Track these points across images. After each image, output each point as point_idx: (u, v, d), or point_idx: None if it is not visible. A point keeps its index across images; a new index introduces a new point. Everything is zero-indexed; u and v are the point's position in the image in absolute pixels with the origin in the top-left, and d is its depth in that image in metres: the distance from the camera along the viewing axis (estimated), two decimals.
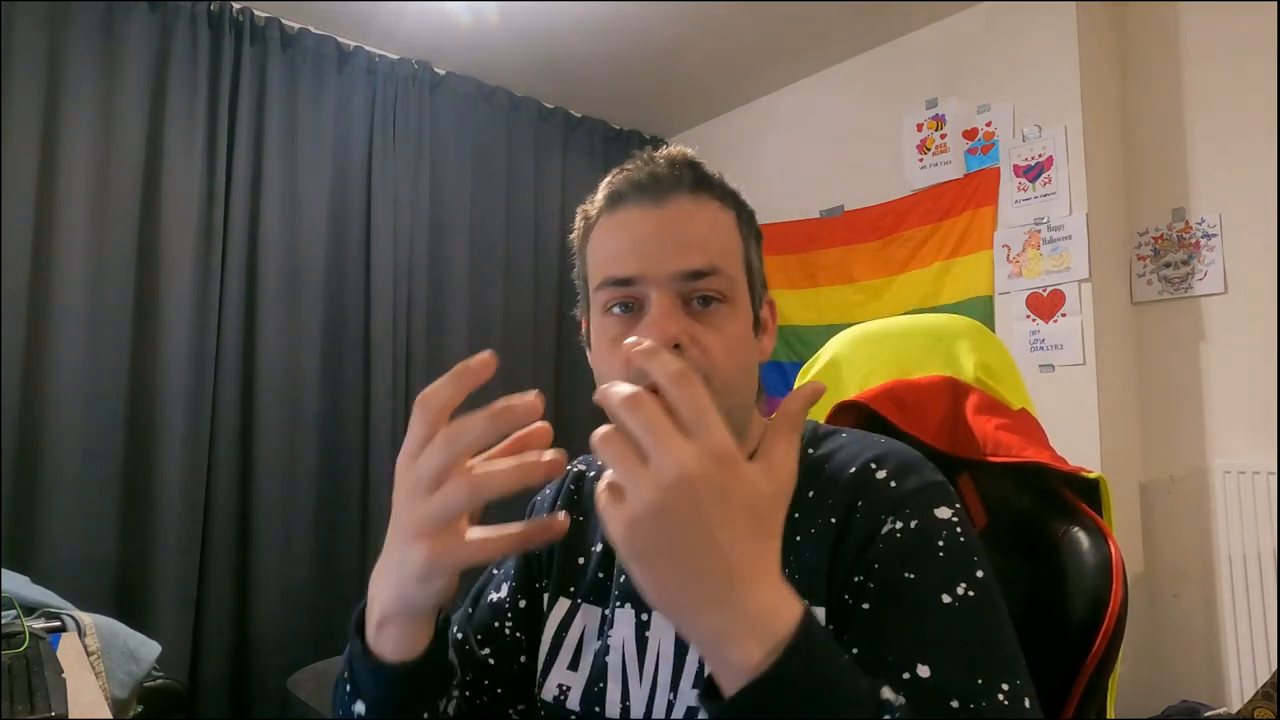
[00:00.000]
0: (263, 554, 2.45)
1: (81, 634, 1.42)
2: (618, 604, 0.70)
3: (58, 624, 1.44)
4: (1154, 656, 2.27)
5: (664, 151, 0.70)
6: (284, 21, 2.62)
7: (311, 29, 2.68)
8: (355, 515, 2.68)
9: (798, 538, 0.64)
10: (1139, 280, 2.39)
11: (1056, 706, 0.69)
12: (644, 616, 0.68)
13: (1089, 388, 2.26)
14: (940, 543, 0.59)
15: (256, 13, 2.58)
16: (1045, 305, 2.36)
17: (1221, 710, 2.06)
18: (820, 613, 0.60)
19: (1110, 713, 0.71)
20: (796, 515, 0.65)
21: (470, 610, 0.81)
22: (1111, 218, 2.38)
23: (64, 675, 1.14)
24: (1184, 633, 2.24)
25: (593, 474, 0.83)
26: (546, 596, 0.77)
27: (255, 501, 2.46)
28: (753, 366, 0.69)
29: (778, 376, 3.03)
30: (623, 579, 0.71)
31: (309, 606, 2.54)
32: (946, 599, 0.56)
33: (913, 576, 0.57)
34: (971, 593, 0.56)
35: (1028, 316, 2.40)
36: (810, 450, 0.70)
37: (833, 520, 0.63)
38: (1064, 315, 2.32)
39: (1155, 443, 2.34)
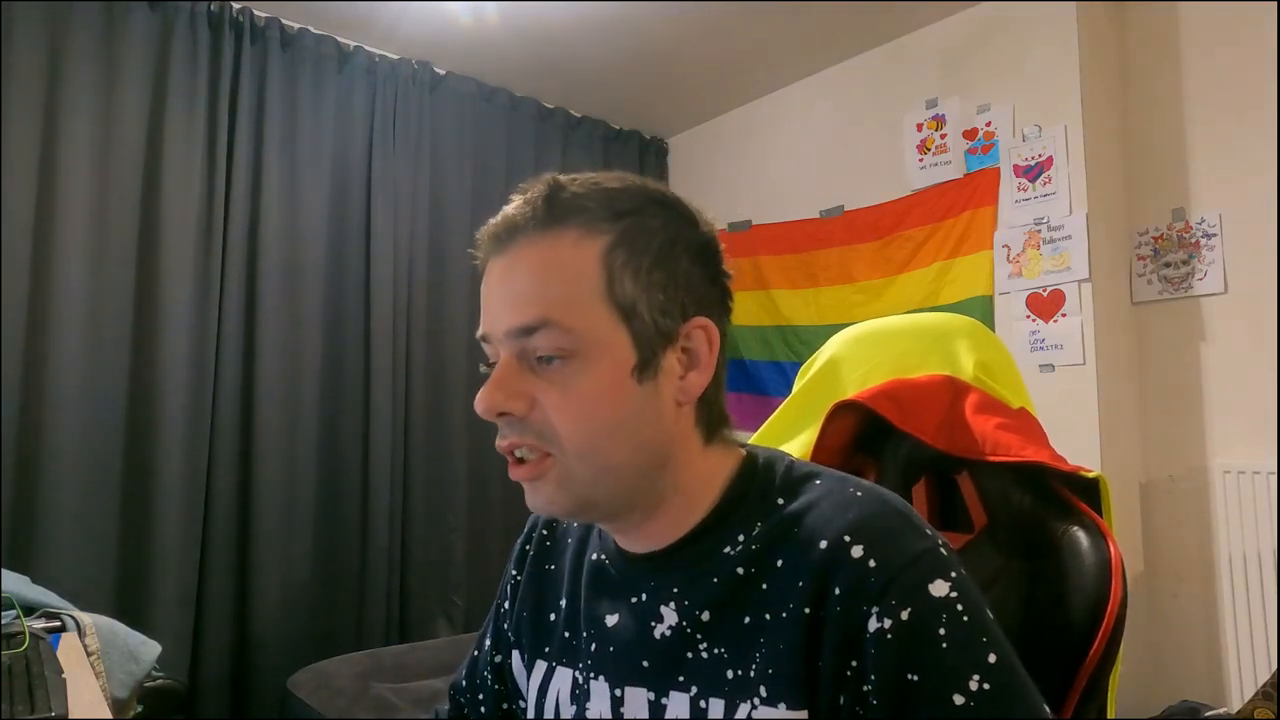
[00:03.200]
0: (263, 554, 2.45)
1: (81, 634, 1.41)
2: (591, 675, 0.66)
3: (58, 624, 1.43)
4: (1154, 656, 2.26)
5: (535, 181, 0.63)
6: (284, 21, 2.62)
7: (311, 29, 2.68)
8: (355, 515, 2.67)
9: (767, 616, 0.58)
10: (1139, 280, 2.39)
11: (1056, 707, 0.69)
12: (618, 692, 0.64)
13: (1089, 388, 2.26)
14: (941, 630, 0.52)
15: (256, 13, 2.58)
16: (1045, 305, 2.36)
17: (1221, 710, 2.05)
18: (800, 716, 0.55)
19: (1111, 712, 0.71)
20: (765, 586, 0.59)
21: (475, 653, 0.84)
22: (1111, 218, 2.38)
23: (64, 675, 1.13)
24: (1184, 633, 2.23)
25: None
26: (518, 654, 0.76)
27: (255, 502, 2.46)
28: (630, 419, 0.59)
29: (778, 376, 3.03)
30: (593, 646, 0.67)
31: (309, 606, 2.53)
32: (959, 699, 0.51)
33: (916, 679, 0.52)
34: (986, 685, 0.51)
35: (1028, 316, 2.40)
36: (781, 501, 0.62)
37: (805, 610, 0.56)
38: (1064, 315, 2.32)
39: (1155, 443, 2.34)
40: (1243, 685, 2.07)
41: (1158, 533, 2.31)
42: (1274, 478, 2.05)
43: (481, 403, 0.60)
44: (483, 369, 0.63)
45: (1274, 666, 1.96)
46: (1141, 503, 2.34)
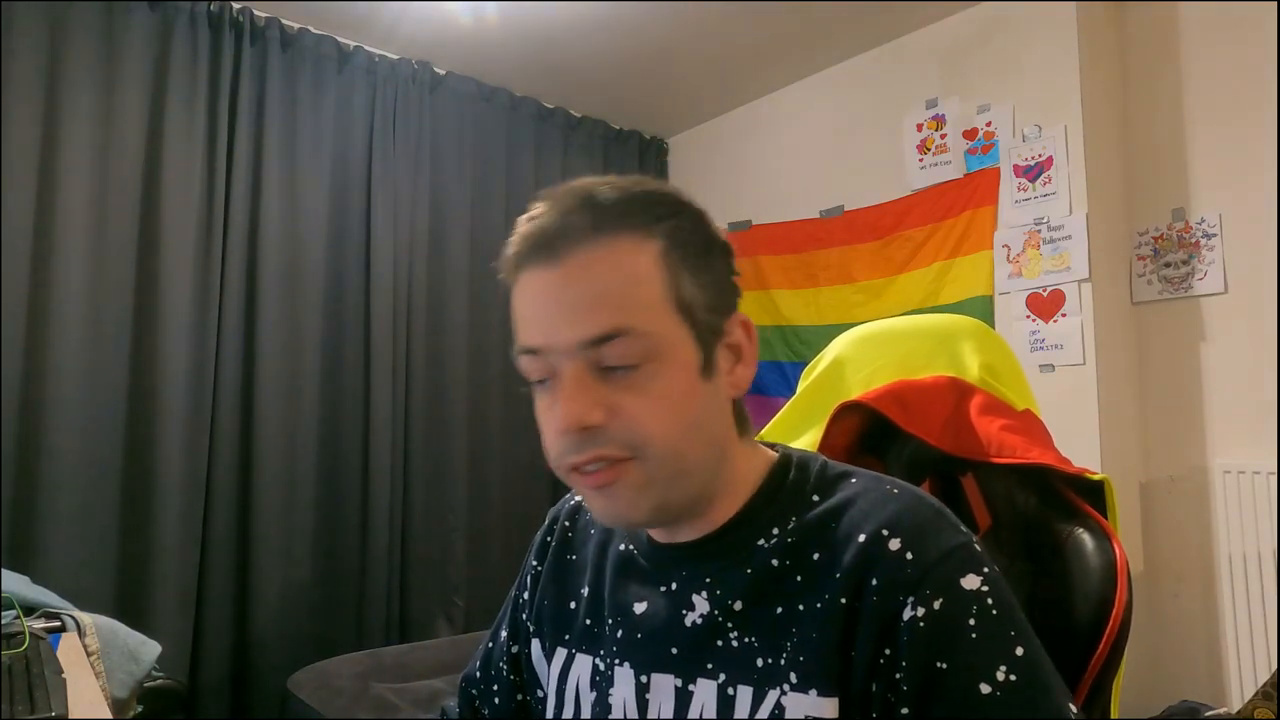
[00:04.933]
0: (263, 554, 2.45)
1: (81, 634, 1.41)
2: (616, 661, 0.66)
3: (58, 624, 1.43)
4: (1154, 656, 2.27)
5: (565, 189, 0.61)
6: (284, 21, 2.62)
7: (311, 29, 2.67)
8: (355, 515, 2.67)
9: (800, 607, 0.59)
10: (1139, 280, 2.39)
11: None
12: (643, 679, 0.64)
13: (1089, 388, 2.26)
14: (971, 621, 0.54)
15: (256, 13, 2.57)
16: (1045, 305, 2.36)
17: (1221, 710, 2.06)
18: (831, 703, 0.55)
19: (1114, 713, 0.71)
20: (799, 579, 0.60)
21: (490, 645, 0.84)
22: (1111, 218, 2.38)
23: (64, 675, 1.14)
24: (1184, 633, 2.24)
25: None
26: (538, 642, 0.76)
27: (255, 501, 2.46)
28: (704, 418, 0.61)
29: (778, 376, 3.03)
30: (619, 633, 0.67)
31: (309, 606, 2.53)
32: (986, 689, 0.52)
33: (945, 667, 0.53)
34: (1013, 676, 0.52)
35: (1028, 316, 2.40)
36: (816, 499, 0.63)
37: (842, 600, 0.57)
38: (1064, 315, 2.32)
39: (1155, 443, 2.34)
40: (1243, 685, 2.08)
41: (1158, 533, 2.31)
42: (1274, 478, 2.06)
43: (565, 419, 0.57)
44: (532, 384, 0.61)
45: (1274, 666, 1.96)
46: (1141, 503, 2.34)
